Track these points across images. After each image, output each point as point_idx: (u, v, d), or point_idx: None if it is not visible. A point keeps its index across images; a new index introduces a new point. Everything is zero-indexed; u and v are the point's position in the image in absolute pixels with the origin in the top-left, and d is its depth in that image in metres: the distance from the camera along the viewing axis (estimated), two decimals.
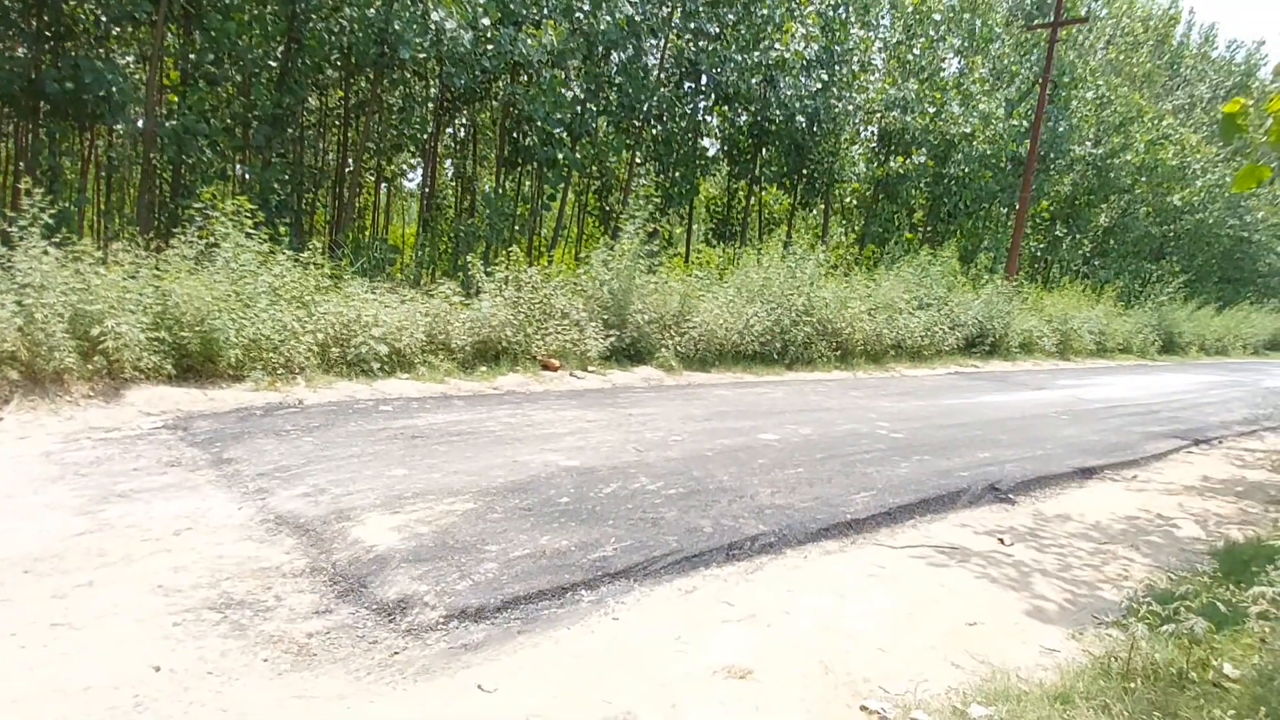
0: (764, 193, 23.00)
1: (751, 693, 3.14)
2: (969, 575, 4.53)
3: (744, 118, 19.15)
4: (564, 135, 15.32)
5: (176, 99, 12.88)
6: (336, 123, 17.72)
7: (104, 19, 11.53)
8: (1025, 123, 22.60)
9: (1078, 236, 27.93)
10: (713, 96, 18.45)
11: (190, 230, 7.99)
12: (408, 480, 5.14)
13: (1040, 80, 20.25)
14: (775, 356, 12.61)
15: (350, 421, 6.52)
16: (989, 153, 22.02)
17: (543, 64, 14.66)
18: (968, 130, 21.38)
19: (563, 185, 16.82)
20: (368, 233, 19.15)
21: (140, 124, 12.52)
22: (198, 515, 4.39)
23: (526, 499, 4.92)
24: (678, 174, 18.53)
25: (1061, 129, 23.81)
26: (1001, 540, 5.15)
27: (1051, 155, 24.05)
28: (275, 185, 13.22)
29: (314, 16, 12.83)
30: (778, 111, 18.35)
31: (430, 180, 17.93)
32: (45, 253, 6.44)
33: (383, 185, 22.29)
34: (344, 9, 12.98)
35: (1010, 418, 9.60)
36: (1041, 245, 27.68)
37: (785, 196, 23.09)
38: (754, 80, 17.94)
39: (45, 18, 11.06)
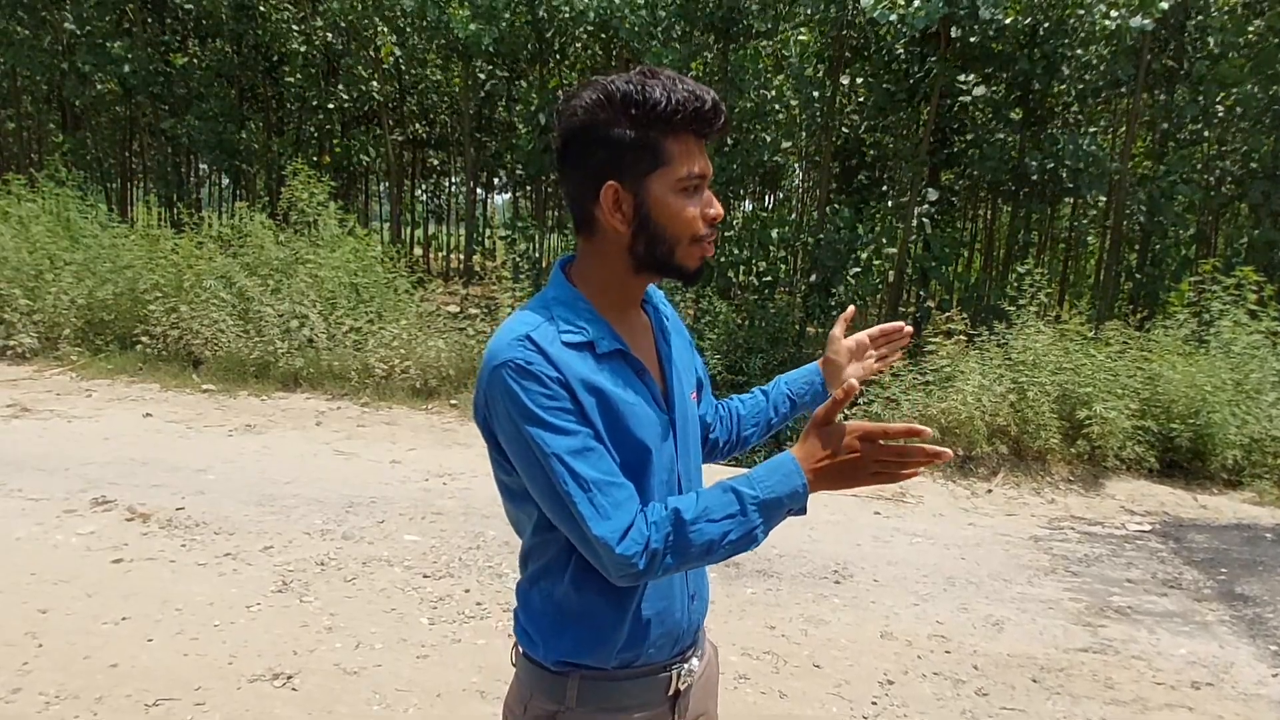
0: None
1: None
2: None
3: None
4: None
5: (1148, 164, 12.24)
6: None
7: (1085, 93, 11.69)
8: None
9: None
10: None
11: (1180, 306, 7.21)
12: None
13: None
14: None
15: None
16: None
17: None
18: None
19: None
20: None
21: (1106, 194, 12.32)
22: (1217, 667, 3.56)
23: None
24: None
25: None
26: None
27: None
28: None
29: None
30: None
31: None
32: (1039, 331, 6.59)
33: None
34: None
35: None
36: None
37: None
38: None
39: (1030, 104, 11.84)
